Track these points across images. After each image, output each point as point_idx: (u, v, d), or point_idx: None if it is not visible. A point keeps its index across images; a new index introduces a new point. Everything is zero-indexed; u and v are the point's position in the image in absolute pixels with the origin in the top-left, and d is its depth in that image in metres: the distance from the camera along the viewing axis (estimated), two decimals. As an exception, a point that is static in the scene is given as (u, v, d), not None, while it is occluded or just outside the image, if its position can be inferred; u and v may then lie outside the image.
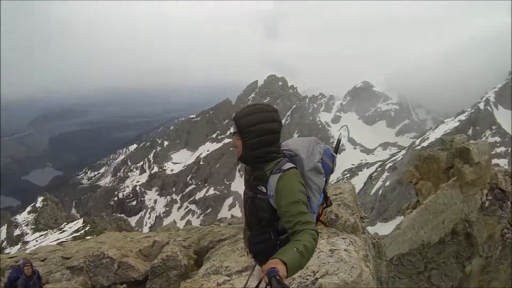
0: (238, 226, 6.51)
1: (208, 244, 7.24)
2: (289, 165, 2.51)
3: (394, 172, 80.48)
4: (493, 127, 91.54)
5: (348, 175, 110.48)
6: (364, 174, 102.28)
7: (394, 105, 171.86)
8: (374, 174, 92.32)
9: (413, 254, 7.80)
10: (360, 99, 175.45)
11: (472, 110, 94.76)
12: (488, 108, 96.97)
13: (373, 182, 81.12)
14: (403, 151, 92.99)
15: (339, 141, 3.15)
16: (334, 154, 2.85)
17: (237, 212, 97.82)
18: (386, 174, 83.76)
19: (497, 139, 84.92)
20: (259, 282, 2.14)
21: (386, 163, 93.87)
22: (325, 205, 2.92)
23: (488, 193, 11.19)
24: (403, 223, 11.32)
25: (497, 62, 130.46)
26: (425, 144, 79.23)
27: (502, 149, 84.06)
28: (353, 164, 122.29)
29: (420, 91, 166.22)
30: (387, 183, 77.72)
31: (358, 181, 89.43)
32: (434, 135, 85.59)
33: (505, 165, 58.98)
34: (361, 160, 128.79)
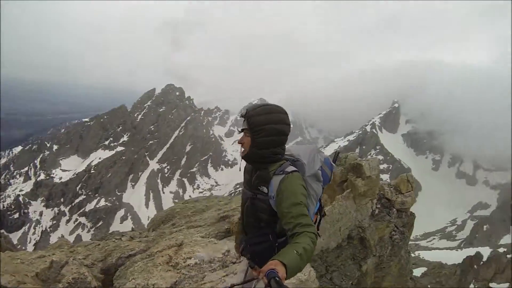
0: (146, 240, 6.23)
1: (117, 261, 6.72)
2: (292, 168, 2.51)
3: None
4: (377, 147, 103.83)
5: (240, 188, 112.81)
6: None
7: None
8: None
9: (315, 260, 8.45)
10: None
11: (360, 132, 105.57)
12: (374, 130, 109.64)
13: None
14: None
15: (337, 153, 3.20)
16: (333, 164, 2.87)
17: (128, 225, 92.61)
18: None
19: (381, 157, 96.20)
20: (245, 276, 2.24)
21: None
22: (319, 215, 2.91)
23: (377, 202, 12.62)
24: None
25: (383, 92, 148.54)
26: None
27: (384, 166, 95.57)
28: None
29: (314, 112, 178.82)
30: None
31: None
32: (325, 153, 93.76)
33: (387, 179, 67.03)
34: None
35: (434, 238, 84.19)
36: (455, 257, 38.84)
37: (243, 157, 2.63)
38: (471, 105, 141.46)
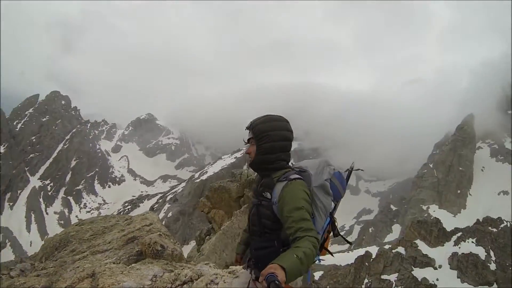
0: (45, 273, 5.09)
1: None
2: (296, 175, 2.54)
3: (175, 204, 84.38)
4: None
5: (129, 206, 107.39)
6: (145, 206, 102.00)
7: (175, 140, 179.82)
8: (156, 206, 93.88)
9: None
10: (142, 131, 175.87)
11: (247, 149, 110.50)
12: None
13: (156, 214, 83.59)
14: (183, 184, 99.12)
15: (351, 168, 2.96)
16: (345, 179, 2.79)
17: (8, 254, 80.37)
18: (167, 205, 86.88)
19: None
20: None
21: (167, 195, 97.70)
22: (332, 233, 2.85)
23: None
24: (205, 249, 11.96)
25: (269, 111, 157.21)
26: (204, 177, 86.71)
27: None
28: (133, 196, 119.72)
29: (200, 129, 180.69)
30: (170, 214, 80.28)
31: (138, 213, 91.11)
32: (212, 169, 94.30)
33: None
34: (142, 192, 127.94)
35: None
36: (348, 258, 42.27)
37: (250, 165, 2.69)
38: (351, 124, 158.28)
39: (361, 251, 44.83)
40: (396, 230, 79.13)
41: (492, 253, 39.17)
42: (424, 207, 74.93)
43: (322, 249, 2.75)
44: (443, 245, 42.00)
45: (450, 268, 38.85)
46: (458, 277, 38.12)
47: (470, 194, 77.80)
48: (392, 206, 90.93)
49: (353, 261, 39.37)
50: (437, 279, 37.24)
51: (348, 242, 3.43)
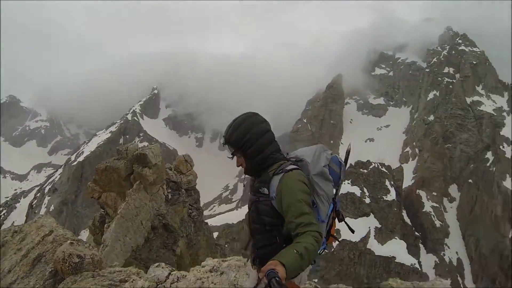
0: None
1: None
2: (292, 166, 2.45)
3: (55, 194, 75.20)
4: (141, 134, 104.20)
5: (4, 211, 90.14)
6: (23, 205, 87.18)
7: (44, 122, 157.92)
8: (35, 202, 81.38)
9: (131, 262, 7.93)
10: (5, 117, 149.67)
11: (122, 121, 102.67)
12: (135, 118, 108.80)
13: (36, 211, 71.30)
14: (60, 170, 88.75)
15: (348, 151, 2.89)
16: (342, 162, 2.73)
17: None
18: (47, 198, 76.93)
19: (145, 143, 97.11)
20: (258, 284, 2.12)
21: (45, 186, 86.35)
22: (337, 219, 2.72)
23: (166, 187, 12.83)
24: (107, 239, 11.18)
25: (143, 79, 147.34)
26: (81, 158, 78.86)
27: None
28: (6, 197, 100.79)
29: (70, 106, 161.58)
30: (52, 208, 71.25)
31: (18, 215, 76.92)
32: (88, 148, 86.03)
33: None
34: (15, 190, 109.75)
35: (214, 206, 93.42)
36: (238, 215, 44.23)
37: (246, 173, 2.62)
38: (226, 87, 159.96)
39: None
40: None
41: (365, 190, 46.28)
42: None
43: (330, 236, 2.68)
44: (325, 187, 47.47)
45: None
46: None
47: (342, 143, 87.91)
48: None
49: (243, 217, 41.59)
50: (323, 219, 42.58)
51: (351, 230, 3.15)
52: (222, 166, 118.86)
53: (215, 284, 4.40)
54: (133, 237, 9.24)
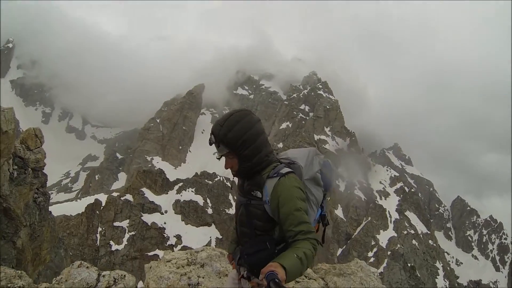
0: None
1: None
2: (287, 169, 2.32)
3: None
4: None
5: None
6: None
7: None
8: None
9: None
10: None
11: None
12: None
13: None
14: None
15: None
16: (334, 168, 2.26)
17: None
18: None
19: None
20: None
21: None
22: (322, 223, 2.64)
23: (13, 163, 10.55)
24: None
25: None
26: None
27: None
28: None
29: None
30: None
31: None
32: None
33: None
34: None
35: (52, 193, 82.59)
36: (78, 207, 40.24)
37: (236, 175, 2.41)
38: (87, 65, 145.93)
39: (90, 199, 43.52)
40: (122, 178, 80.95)
41: (208, 200, 47.59)
42: (149, 158, 79.85)
43: None
44: (167, 193, 47.05)
45: (175, 213, 44.82)
46: (182, 220, 44.36)
47: (190, 151, 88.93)
48: (118, 154, 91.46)
49: (83, 210, 37.82)
50: (165, 223, 41.90)
51: (323, 239, 2.84)
52: (67, 150, 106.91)
53: (203, 277, 3.94)
54: None
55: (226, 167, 2.38)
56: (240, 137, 2.25)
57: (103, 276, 3.92)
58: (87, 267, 3.92)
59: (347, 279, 4.43)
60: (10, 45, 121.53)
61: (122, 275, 4.05)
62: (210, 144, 2.37)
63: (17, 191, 9.22)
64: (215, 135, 2.29)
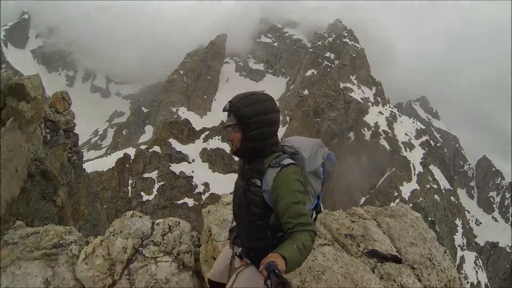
0: None
1: None
2: (289, 161, 2.30)
3: None
4: (3, 66, 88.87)
5: None
6: None
7: None
8: None
9: (7, 219, 6.62)
10: None
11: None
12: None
13: None
14: None
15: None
16: (336, 161, 2.65)
17: None
18: None
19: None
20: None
21: None
22: (315, 212, 2.66)
23: (44, 127, 11.09)
24: None
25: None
26: None
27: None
28: None
29: None
30: None
31: None
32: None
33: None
34: None
35: (83, 151, 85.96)
36: (108, 162, 41.91)
37: (235, 153, 2.40)
38: (103, 25, 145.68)
39: (119, 154, 45.17)
40: (149, 131, 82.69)
41: None
42: (174, 109, 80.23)
43: None
44: (194, 142, 47.94)
45: (202, 161, 45.82)
46: (209, 168, 45.43)
47: (215, 100, 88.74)
48: (143, 108, 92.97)
49: (114, 165, 39.49)
50: (193, 171, 43.12)
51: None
52: (93, 110, 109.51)
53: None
54: (6, 188, 7.72)
55: (228, 138, 2.41)
56: (252, 116, 2.27)
57: (157, 224, 4.03)
58: (140, 217, 4.01)
59: (399, 220, 4.49)
60: (26, 16, 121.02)
61: (176, 221, 4.15)
62: (224, 110, 2.38)
63: (52, 152, 9.80)
64: (231, 104, 2.33)
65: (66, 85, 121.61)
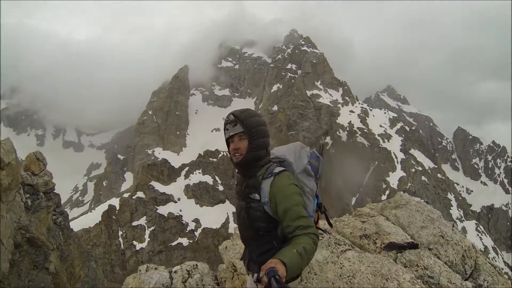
0: None
1: None
2: (280, 168, 2.42)
3: None
4: None
5: None
6: None
7: None
8: None
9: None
10: None
11: None
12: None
13: None
14: None
15: (322, 145, 2.18)
16: (320, 156, 2.71)
17: None
18: None
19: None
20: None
21: None
22: (319, 211, 2.70)
23: (24, 192, 10.64)
24: None
25: None
26: None
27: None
28: None
29: None
30: None
31: None
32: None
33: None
34: None
35: (65, 210, 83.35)
36: (94, 217, 40.90)
37: (240, 162, 2.45)
38: (70, 78, 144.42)
39: (103, 207, 44.12)
40: (129, 178, 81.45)
41: (217, 178, 47.80)
42: (150, 151, 79.90)
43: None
44: (175, 181, 47.42)
45: (188, 198, 45.27)
46: (196, 204, 44.90)
47: (188, 134, 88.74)
48: (119, 156, 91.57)
49: (100, 219, 38.43)
50: (181, 210, 42.50)
51: (329, 224, 3.08)
52: (69, 166, 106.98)
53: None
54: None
55: (235, 147, 2.45)
56: (257, 126, 2.45)
57: (175, 272, 3.94)
58: (155, 268, 3.94)
59: (404, 209, 4.61)
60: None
61: (194, 265, 4.09)
62: (228, 122, 2.50)
63: (36, 217, 9.38)
64: (235, 115, 2.47)
65: (37, 144, 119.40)
